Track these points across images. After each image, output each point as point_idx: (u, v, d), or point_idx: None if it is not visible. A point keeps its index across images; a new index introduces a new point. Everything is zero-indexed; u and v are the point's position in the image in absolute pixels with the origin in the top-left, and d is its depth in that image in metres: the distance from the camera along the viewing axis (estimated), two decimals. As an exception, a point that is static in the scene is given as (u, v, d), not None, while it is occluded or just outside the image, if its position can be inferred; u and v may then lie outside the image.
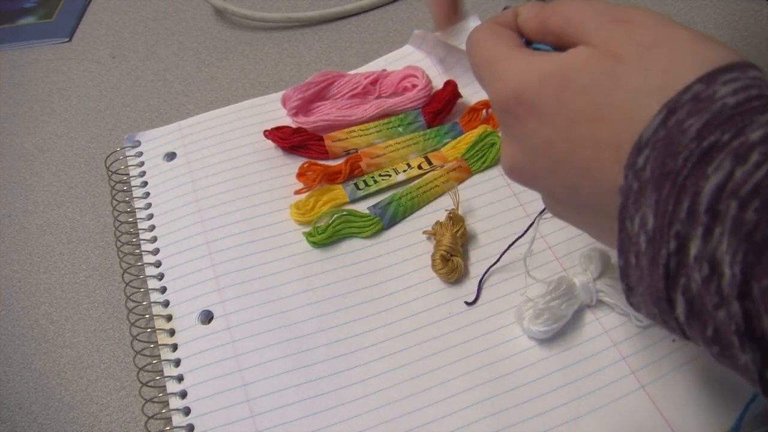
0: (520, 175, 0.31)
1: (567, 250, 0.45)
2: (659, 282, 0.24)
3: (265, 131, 0.52)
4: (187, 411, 0.40)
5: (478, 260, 0.45)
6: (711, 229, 0.22)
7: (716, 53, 0.25)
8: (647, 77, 0.25)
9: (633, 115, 0.25)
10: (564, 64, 0.27)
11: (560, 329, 0.41)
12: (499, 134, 0.30)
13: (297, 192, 0.50)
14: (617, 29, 0.27)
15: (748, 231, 0.21)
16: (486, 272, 0.44)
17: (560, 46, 0.29)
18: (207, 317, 0.44)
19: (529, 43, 0.31)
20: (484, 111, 0.53)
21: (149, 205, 0.50)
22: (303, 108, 0.54)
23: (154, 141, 0.54)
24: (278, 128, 0.52)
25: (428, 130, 0.52)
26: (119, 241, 0.48)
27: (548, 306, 0.40)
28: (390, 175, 0.50)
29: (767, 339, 0.21)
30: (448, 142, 0.52)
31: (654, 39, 0.26)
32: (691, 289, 0.23)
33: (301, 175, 0.50)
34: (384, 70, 0.56)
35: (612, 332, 0.41)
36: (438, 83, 0.55)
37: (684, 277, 0.23)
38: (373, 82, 0.55)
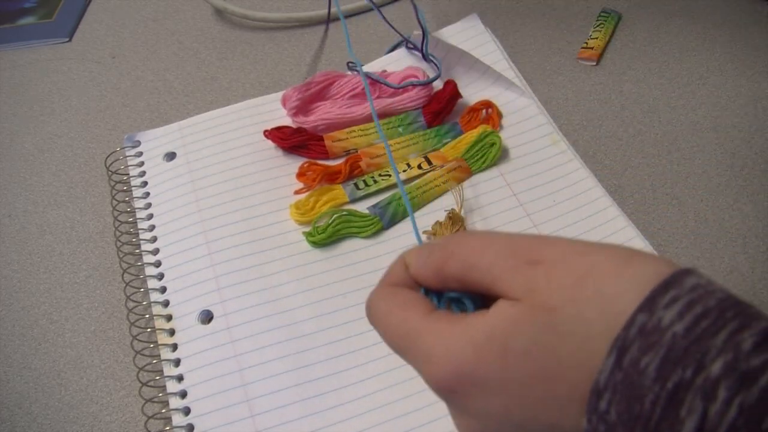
0: None
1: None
2: None
3: (265, 131, 0.52)
4: (186, 411, 0.40)
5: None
6: None
7: (646, 271, 0.24)
8: (586, 322, 0.24)
9: (587, 365, 0.23)
10: (495, 329, 0.25)
11: None
12: (449, 411, 0.29)
13: (297, 192, 0.50)
14: (535, 275, 0.25)
15: None
16: None
17: (468, 290, 0.27)
18: (207, 317, 0.44)
19: (431, 291, 0.28)
20: (484, 111, 0.53)
21: (149, 205, 0.50)
22: (303, 108, 0.53)
23: (154, 141, 0.54)
24: (278, 128, 0.52)
25: (428, 130, 0.52)
26: (119, 241, 0.48)
27: None
28: (390, 175, 0.50)
29: None
30: (448, 142, 0.52)
31: (576, 277, 0.24)
32: None
33: (301, 175, 0.50)
34: (384, 70, 0.56)
35: None
36: (438, 83, 0.55)
37: None
38: (373, 83, 0.55)
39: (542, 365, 0.24)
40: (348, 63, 0.58)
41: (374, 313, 0.29)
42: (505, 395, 0.26)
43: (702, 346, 0.21)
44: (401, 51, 0.59)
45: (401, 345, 0.28)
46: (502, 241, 0.27)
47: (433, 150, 0.52)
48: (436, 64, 0.55)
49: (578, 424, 0.24)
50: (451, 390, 0.27)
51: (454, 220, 0.45)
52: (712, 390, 0.21)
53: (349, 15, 0.66)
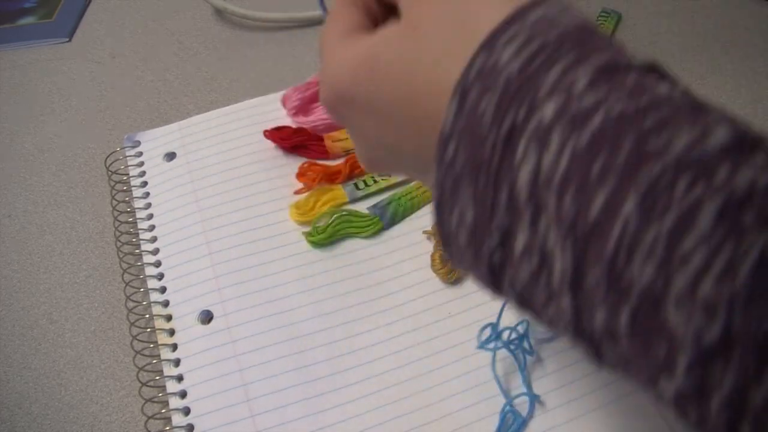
0: (373, 167, 0.30)
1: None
2: (486, 277, 0.23)
3: (265, 131, 0.52)
4: (186, 411, 0.40)
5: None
6: (536, 219, 0.21)
7: (500, 3, 0.23)
8: (443, 40, 0.23)
9: (440, 84, 0.23)
10: (371, 48, 0.25)
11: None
12: None
13: (297, 192, 0.50)
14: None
15: (570, 223, 0.20)
16: None
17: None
18: (207, 317, 0.44)
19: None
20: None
21: (149, 205, 0.50)
22: (303, 108, 0.53)
23: (154, 141, 0.54)
24: (278, 128, 0.52)
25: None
26: (119, 241, 0.48)
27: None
28: (390, 175, 0.50)
29: (595, 336, 0.20)
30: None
31: (436, 12, 0.24)
32: (516, 285, 0.22)
33: (301, 175, 0.50)
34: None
35: None
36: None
37: (508, 273, 0.22)
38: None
39: (404, 84, 0.24)
40: None
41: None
42: (376, 116, 0.26)
43: (533, 84, 0.20)
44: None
45: (320, 57, 0.28)
46: None
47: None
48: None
49: (432, 165, 0.24)
50: (334, 111, 0.27)
51: None
52: (545, 136, 0.20)
53: (349, 15, 0.66)
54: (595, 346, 0.21)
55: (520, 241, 0.21)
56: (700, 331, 0.18)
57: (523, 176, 0.20)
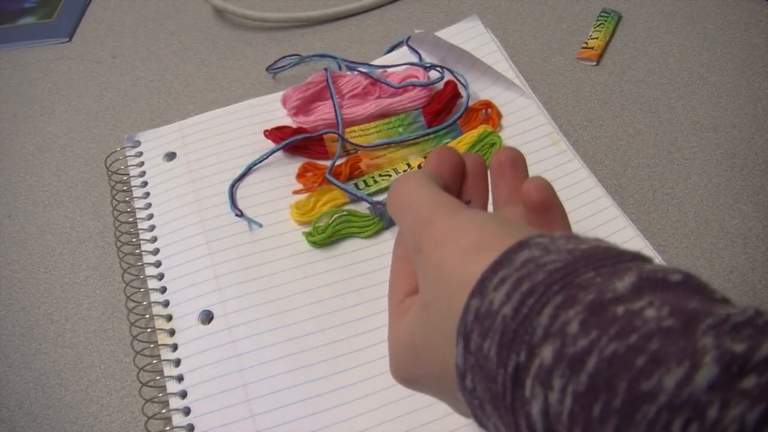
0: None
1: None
2: None
3: (266, 131, 0.52)
4: (187, 411, 0.40)
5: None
6: None
7: (481, 252, 0.24)
8: (441, 315, 0.25)
9: (451, 355, 0.25)
10: (409, 331, 0.28)
11: None
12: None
13: (296, 192, 0.50)
14: (419, 264, 0.27)
15: None
16: None
17: None
18: (207, 317, 0.44)
19: None
20: (483, 111, 0.53)
21: (149, 205, 0.50)
22: (303, 108, 0.53)
23: (154, 141, 0.54)
24: (278, 128, 0.52)
25: (428, 130, 0.52)
26: (119, 241, 0.48)
27: None
28: (390, 175, 0.50)
29: None
30: (448, 142, 0.52)
31: (437, 259, 0.26)
32: None
33: (300, 176, 0.50)
34: (384, 70, 0.56)
35: None
36: (439, 84, 0.55)
37: None
38: (374, 83, 0.55)
39: (432, 361, 0.27)
40: (347, 64, 0.58)
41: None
42: (429, 387, 0.29)
43: (529, 327, 0.22)
44: (401, 51, 0.59)
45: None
46: (415, 210, 0.29)
47: (433, 150, 0.52)
48: (439, 71, 0.55)
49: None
50: (401, 381, 0.30)
51: None
52: (548, 379, 0.21)
53: (350, 15, 0.66)
54: None
55: None
56: None
57: (535, 411, 0.21)
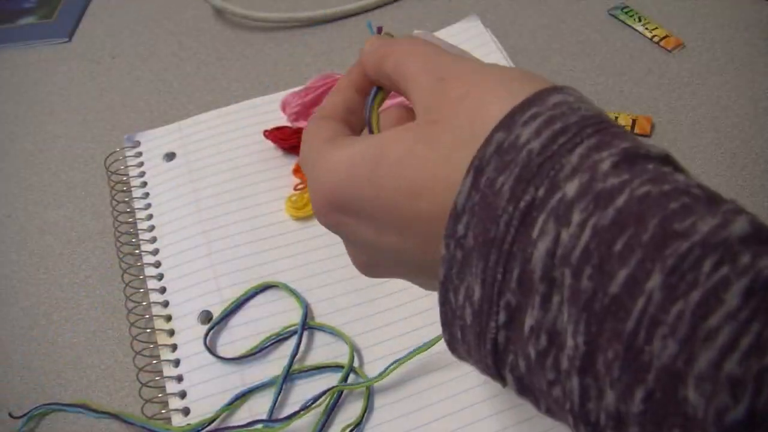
0: (371, 272, 0.29)
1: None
2: (487, 357, 0.22)
3: (265, 131, 0.52)
4: (186, 411, 0.40)
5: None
6: (549, 297, 0.20)
7: (518, 89, 0.23)
8: (456, 133, 0.23)
9: (448, 178, 0.23)
10: (378, 141, 0.25)
11: None
12: None
13: (296, 188, 0.49)
14: (435, 91, 0.25)
15: (587, 300, 0.19)
16: None
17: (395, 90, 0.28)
18: (207, 317, 0.44)
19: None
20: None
21: (149, 206, 0.50)
22: (303, 113, 0.53)
23: (153, 141, 0.54)
24: (278, 128, 0.52)
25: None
26: (119, 241, 0.48)
27: None
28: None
29: (600, 422, 0.20)
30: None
31: (463, 90, 0.24)
32: (520, 367, 0.21)
33: (297, 171, 0.50)
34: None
35: None
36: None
37: (512, 354, 0.22)
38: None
39: (410, 178, 0.24)
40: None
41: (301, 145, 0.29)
42: (375, 219, 0.25)
43: (556, 163, 0.21)
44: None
45: (305, 171, 0.28)
46: (427, 55, 0.27)
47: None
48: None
49: (438, 250, 0.23)
50: (327, 218, 0.27)
51: None
52: (566, 212, 0.20)
53: (350, 15, 0.66)
54: (595, 427, 0.20)
55: (530, 320, 0.21)
56: (723, 410, 0.17)
57: (539, 253, 0.20)
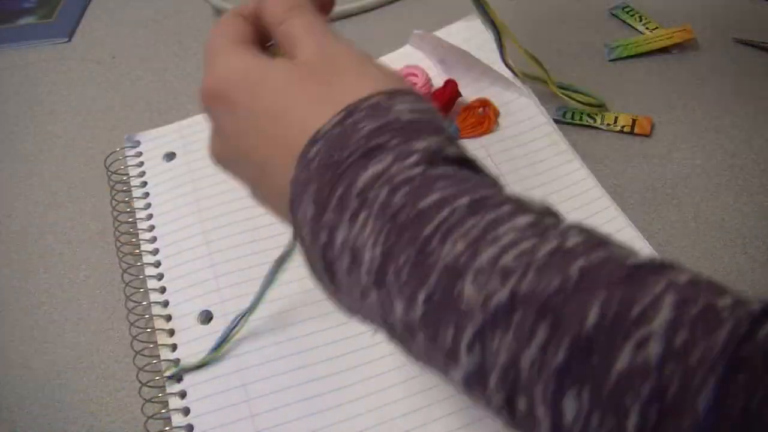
0: (220, 162, 0.32)
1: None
2: (324, 276, 0.25)
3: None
4: (186, 411, 0.40)
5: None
6: (357, 213, 0.23)
7: (400, 83, 0.27)
8: (330, 90, 0.27)
9: (308, 118, 0.26)
10: (267, 65, 0.29)
11: None
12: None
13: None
14: (323, 49, 0.29)
15: (393, 213, 0.22)
16: None
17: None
18: (207, 317, 0.44)
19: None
20: (480, 109, 0.53)
21: (149, 206, 0.50)
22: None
23: (154, 141, 0.54)
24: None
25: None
26: (119, 241, 0.48)
27: None
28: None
29: (397, 330, 0.22)
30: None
31: (346, 64, 0.28)
32: (342, 281, 0.24)
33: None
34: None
35: None
36: (438, 83, 0.55)
37: (337, 269, 0.24)
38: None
39: (279, 105, 0.27)
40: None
41: (215, 25, 0.33)
42: (243, 120, 0.28)
43: (415, 133, 0.24)
44: (404, 49, 0.59)
45: (205, 57, 0.32)
46: (321, 33, 0.30)
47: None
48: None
49: (281, 173, 0.26)
50: (212, 101, 0.30)
51: None
52: (407, 155, 0.23)
53: (350, 15, 0.66)
54: (402, 340, 0.23)
55: (339, 237, 0.23)
56: (491, 294, 0.20)
57: (366, 174, 0.23)
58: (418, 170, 0.23)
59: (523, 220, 0.22)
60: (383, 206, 0.22)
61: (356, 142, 0.24)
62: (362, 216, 0.23)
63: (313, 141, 0.25)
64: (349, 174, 0.23)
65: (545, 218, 0.22)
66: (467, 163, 0.25)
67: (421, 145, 0.24)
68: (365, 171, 0.23)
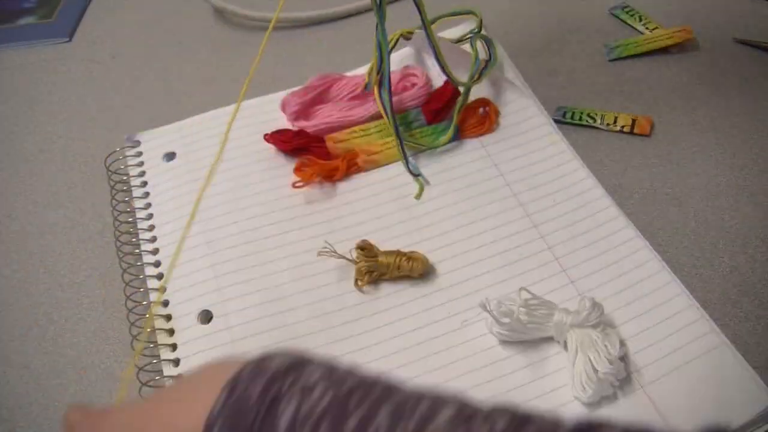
0: None
1: (574, 262, 0.45)
2: None
3: (266, 135, 0.52)
4: (186, 411, 0.40)
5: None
6: None
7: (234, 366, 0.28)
8: (188, 397, 0.28)
9: (179, 418, 0.27)
10: (104, 411, 0.31)
11: (524, 340, 0.41)
12: None
13: (295, 186, 0.49)
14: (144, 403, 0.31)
15: None
16: None
17: None
18: (206, 317, 0.44)
19: None
20: (481, 109, 0.53)
21: (149, 205, 0.50)
22: (303, 112, 0.53)
23: (154, 141, 0.54)
24: (279, 132, 0.52)
25: (425, 128, 0.52)
26: (119, 241, 0.48)
27: (517, 313, 0.39)
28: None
29: None
30: (444, 138, 0.52)
31: (181, 389, 0.31)
32: None
33: (297, 169, 0.50)
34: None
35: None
36: (438, 83, 0.55)
37: None
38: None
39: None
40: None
41: None
42: None
43: (300, 369, 0.26)
44: (403, 51, 0.59)
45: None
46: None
47: (430, 148, 0.52)
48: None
49: None
50: None
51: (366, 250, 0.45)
52: (310, 389, 0.25)
53: (350, 15, 0.66)
54: None
55: None
56: None
57: (284, 421, 0.24)
58: (327, 399, 0.24)
59: (444, 415, 0.23)
60: None
61: (255, 403, 0.25)
62: None
63: (209, 425, 0.26)
64: (266, 428, 0.25)
65: (466, 408, 0.24)
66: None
67: (314, 377, 0.26)
68: (279, 420, 0.24)
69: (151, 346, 0.43)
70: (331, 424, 0.24)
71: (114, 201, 0.51)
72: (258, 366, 0.27)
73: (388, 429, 0.23)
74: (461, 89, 0.53)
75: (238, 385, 0.26)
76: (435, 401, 0.24)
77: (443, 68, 0.51)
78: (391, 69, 0.56)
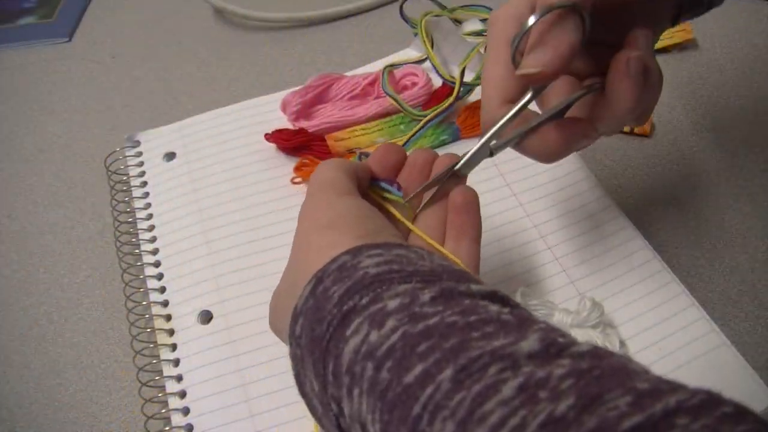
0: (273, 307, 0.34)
1: (574, 261, 0.45)
2: None
3: (266, 135, 0.52)
4: (186, 411, 0.40)
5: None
6: (351, 390, 0.23)
7: (367, 235, 0.29)
8: (312, 255, 0.28)
9: (297, 283, 0.28)
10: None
11: None
12: None
13: (293, 180, 0.49)
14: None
15: (382, 390, 0.22)
16: None
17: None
18: (206, 317, 0.44)
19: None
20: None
21: (149, 205, 0.50)
22: (303, 112, 0.53)
23: (154, 141, 0.54)
24: (279, 131, 0.52)
25: (426, 130, 0.52)
26: (119, 241, 0.48)
27: None
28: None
29: None
30: (445, 140, 0.52)
31: (328, 220, 0.30)
32: None
33: (298, 169, 0.50)
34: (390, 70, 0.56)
35: None
36: (439, 83, 0.55)
37: None
38: (372, 83, 0.55)
39: (283, 311, 0.29)
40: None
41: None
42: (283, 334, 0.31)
43: (385, 285, 0.25)
44: (404, 50, 0.59)
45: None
46: (311, 184, 0.33)
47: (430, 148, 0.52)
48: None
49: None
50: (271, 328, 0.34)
51: None
52: (382, 320, 0.24)
53: (350, 15, 0.66)
54: None
55: (347, 409, 0.24)
56: None
57: (349, 348, 0.24)
58: (395, 337, 0.23)
59: (512, 385, 0.21)
60: (372, 383, 0.23)
61: (330, 310, 0.25)
62: (356, 392, 0.23)
63: (295, 317, 0.26)
64: (333, 350, 0.24)
65: (537, 371, 0.21)
66: (453, 300, 0.25)
67: (393, 304, 0.24)
68: (346, 345, 0.24)
69: (151, 346, 0.43)
70: (393, 368, 0.22)
71: (114, 201, 0.51)
72: (348, 266, 0.26)
73: (449, 391, 0.21)
74: (461, 90, 0.53)
75: (324, 280, 0.26)
76: (507, 364, 0.21)
77: (441, 75, 0.51)
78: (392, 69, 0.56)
